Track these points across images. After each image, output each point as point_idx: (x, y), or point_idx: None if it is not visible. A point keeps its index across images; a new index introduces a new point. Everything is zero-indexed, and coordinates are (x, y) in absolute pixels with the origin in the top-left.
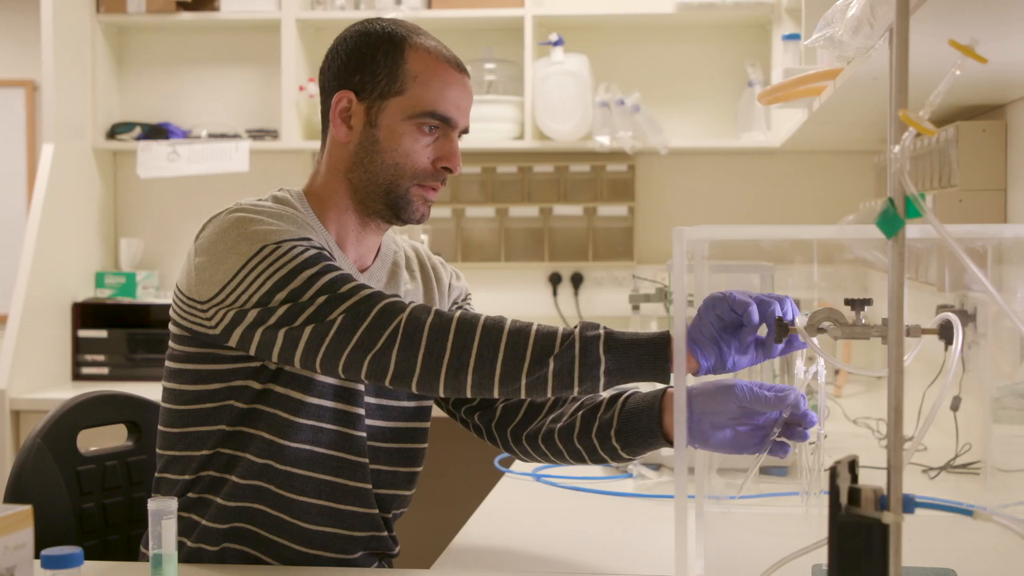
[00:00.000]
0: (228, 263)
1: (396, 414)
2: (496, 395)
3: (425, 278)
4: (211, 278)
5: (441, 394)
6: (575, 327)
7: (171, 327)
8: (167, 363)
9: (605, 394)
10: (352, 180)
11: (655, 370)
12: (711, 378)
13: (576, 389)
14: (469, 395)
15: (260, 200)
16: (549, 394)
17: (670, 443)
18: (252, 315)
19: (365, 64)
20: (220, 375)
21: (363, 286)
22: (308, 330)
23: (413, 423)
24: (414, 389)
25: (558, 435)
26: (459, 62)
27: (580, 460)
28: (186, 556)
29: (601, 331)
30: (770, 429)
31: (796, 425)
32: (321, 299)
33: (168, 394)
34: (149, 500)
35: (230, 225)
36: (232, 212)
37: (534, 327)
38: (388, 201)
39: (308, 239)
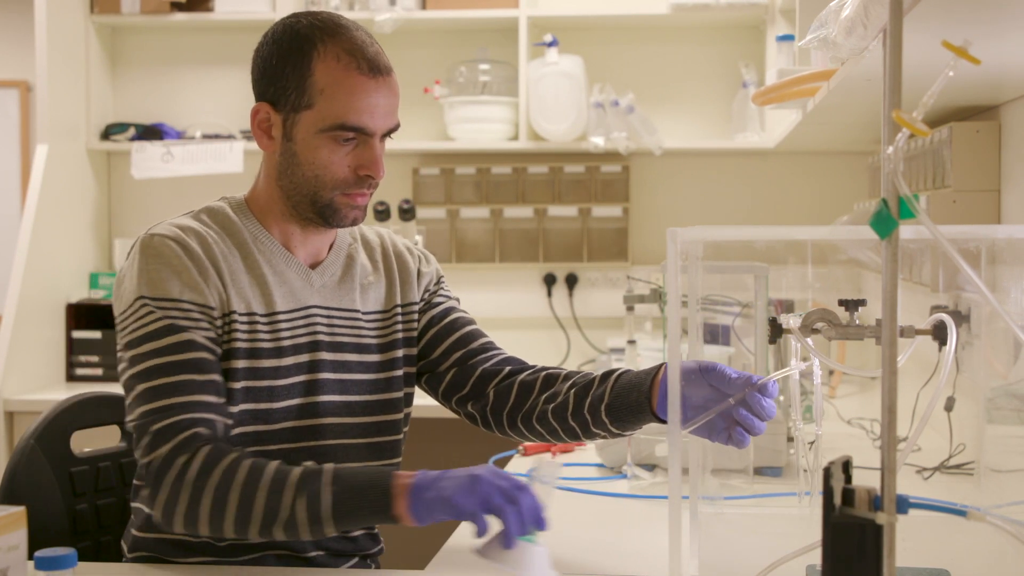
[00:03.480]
0: (121, 302)
1: (359, 410)
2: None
3: (388, 269)
4: (117, 308)
5: (179, 532)
6: (303, 485)
7: None
8: None
9: (598, 371)
10: (282, 187)
11: (382, 523)
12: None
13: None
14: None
15: (189, 218)
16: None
17: (658, 419)
18: (118, 367)
19: (276, 77)
20: None
21: (172, 386)
22: (126, 416)
23: (378, 416)
24: (158, 521)
25: (552, 414)
26: (374, 63)
27: (575, 437)
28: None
29: (327, 494)
30: (735, 413)
31: (754, 414)
32: (139, 388)
33: None
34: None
35: (132, 260)
36: (139, 243)
37: (264, 483)
38: (315, 209)
39: (175, 300)
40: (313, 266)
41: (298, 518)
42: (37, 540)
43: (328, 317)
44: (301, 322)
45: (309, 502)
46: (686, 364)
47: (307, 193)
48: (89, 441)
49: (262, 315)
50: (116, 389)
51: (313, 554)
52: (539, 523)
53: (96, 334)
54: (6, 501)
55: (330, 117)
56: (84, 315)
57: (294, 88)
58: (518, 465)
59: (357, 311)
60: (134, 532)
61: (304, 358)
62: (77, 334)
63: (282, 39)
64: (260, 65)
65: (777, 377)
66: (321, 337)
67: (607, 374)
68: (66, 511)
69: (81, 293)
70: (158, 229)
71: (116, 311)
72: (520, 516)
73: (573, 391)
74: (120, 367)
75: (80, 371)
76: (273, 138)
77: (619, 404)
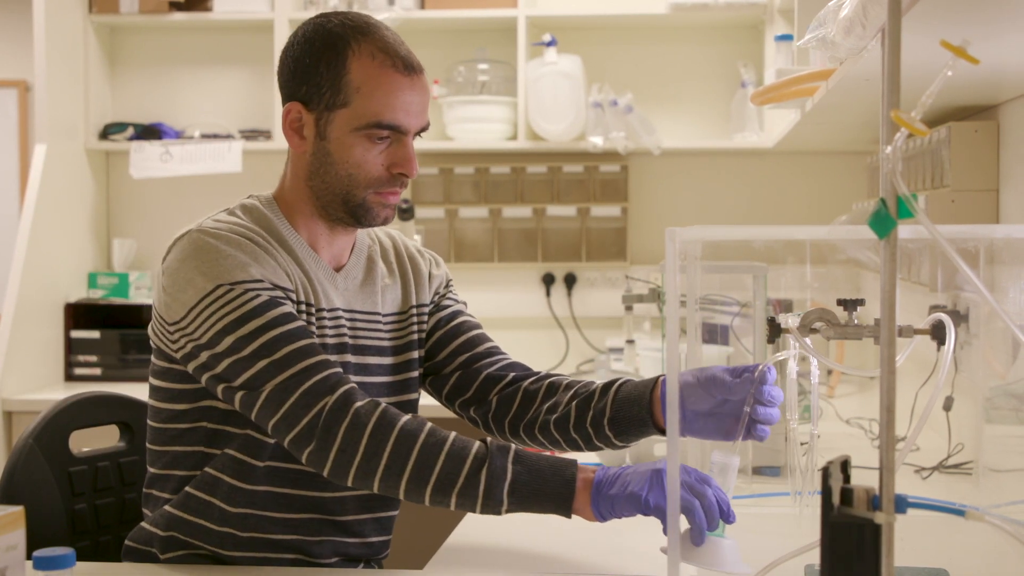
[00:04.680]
0: (186, 295)
1: None
2: (402, 499)
3: (402, 271)
4: (174, 304)
5: (351, 486)
6: (486, 455)
7: (151, 342)
8: (150, 378)
9: (598, 383)
10: (312, 188)
11: (557, 513)
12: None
13: (477, 513)
14: (377, 492)
15: (226, 215)
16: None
17: (661, 431)
18: (203, 356)
19: (309, 76)
20: (188, 395)
21: (299, 351)
22: (240, 395)
23: None
24: (327, 477)
25: (554, 425)
26: (408, 61)
27: (577, 448)
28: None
29: (509, 471)
30: (747, 413)
31: (762, 404)
32: (261, 364)
33: (150, 410)
34: (714, 452)
35: (190, 254)
36: (193, 237)
37: (446, 447)
38: (347, 209)
39: (259, 280)
40: (337, 269)
41: (478, 489)
42: (35, 540)
43: (351, 320)
44: (333, 323)
45: (490, 474)
46: (683, 377)
47: (340, 192)
48: (88, 441)
49: (315, 309)
50: (115, 389)
51: (332, 560)
52: (726, 516)
53: (95, 334)
54: (5, 501)
55: (366, 115)
56: (83, 315)
57: (329, 87)
58: None
59: (378, 314)
60: (169, 509)
61: (334, 358)
62: (76, 334)
63: (314, 38)
64: (291, 65)
65: (773, 362)
66: (346, 340)
67: (607, 386)
68: (64, 511)
69: (80, 293)
70: (207, 225)
71: (182, 308)
72: (708, 510)
73: (575, 403)
74: (210, 356)
75: (79, 371)
76: (305, 138)
77: (621, 417)
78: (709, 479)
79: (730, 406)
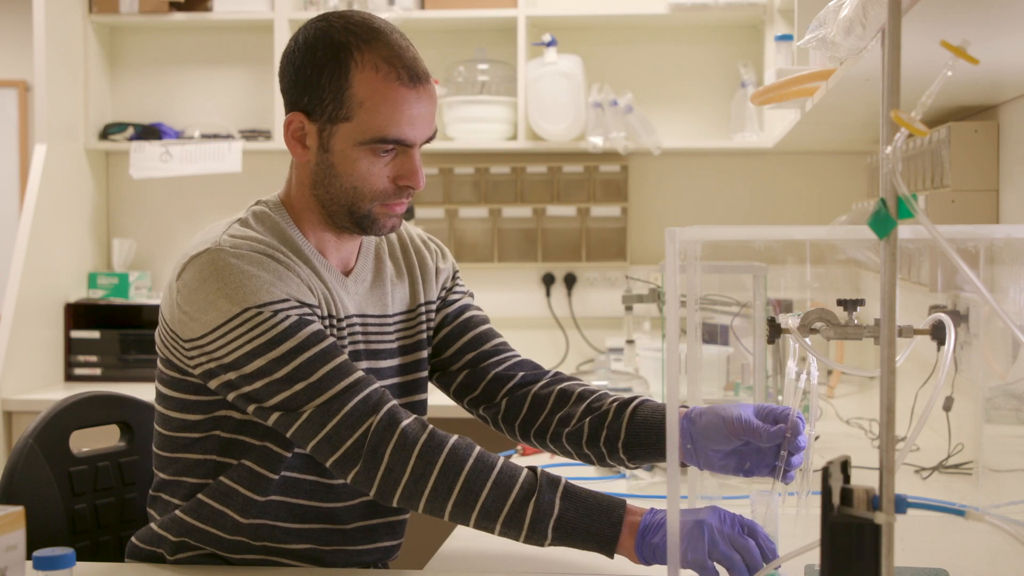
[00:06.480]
0: (208, 316)
1: None
2: (447, 520)
3: (409, 268)
4: (192, 322)
5: (396, 506)
6: (534, 487)
7: (157, 350)
8: (156, 384)
9: (612, 398)
10: (317, 196)
11: (600, 552)
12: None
13: (520, 542)
14: (421, 513)
15: (240, 226)
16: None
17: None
18: (228, 376)
19: (311, 87)
20: (202, 406)
21: (336, 371)
22: (277, 416)
23: None
24: (373, 497)
25: (566, 439)
26: (413, 71)
27: (589, 462)
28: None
29: (556, 506)
30: (773, 455)
31: (790, 453)
32: (298, 386)
33: (158, 416)
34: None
35: (210, 274)
36: (212, 256)
37: (493, 473)
38: (353, 220)
39: (286, 300)
40: (346, 273)
41: (523, 521)
42: (35, 540)
43: (364, 326)
44: (347, 331)
45: (537, 508)
46: (710, 418)
47: (344, 203)
48: (88, 441)
49: (336, 320)
50: (114, 388)
51: (344, 569)
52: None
53: (95, 334)
54: (5, 501)
55: (370, 130)
56: (83, 315)
57: (331, 100)
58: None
59: (387, 315)
60: (180, 515)
61: None
62: (76, 334)
63: (316, 46)
64: (292, 73)
65: (800, 412)
66: (360, 347)
67: (622, 406)
68: (64, 511)
69: (80, 293)
70: (225, 243)
71: (203, 328)
72: (751, 561)
73: (588, 419)
74: (238, 376)
75: (79, 371)
76: (308, 147)
77: (636, 443)
78: (756, 528)
79: (753, 445)
